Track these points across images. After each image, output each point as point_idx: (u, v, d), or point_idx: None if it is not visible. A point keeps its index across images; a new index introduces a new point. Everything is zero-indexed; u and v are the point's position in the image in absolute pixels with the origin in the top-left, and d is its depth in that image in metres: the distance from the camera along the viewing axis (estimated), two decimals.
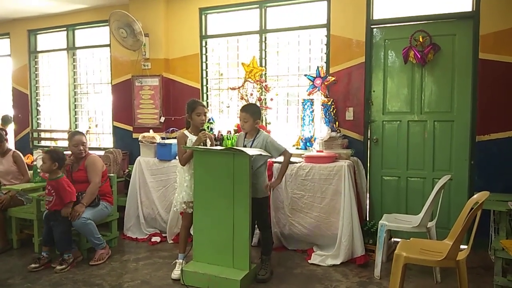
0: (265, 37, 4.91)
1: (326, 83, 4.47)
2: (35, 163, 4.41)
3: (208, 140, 3.58)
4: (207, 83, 5.33)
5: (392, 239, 4.08)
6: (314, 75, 4.51)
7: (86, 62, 6.16)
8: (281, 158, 3.60)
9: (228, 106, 5.03)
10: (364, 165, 4.39)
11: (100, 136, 6.12)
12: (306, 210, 3.99)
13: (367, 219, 4.35)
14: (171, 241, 4.43)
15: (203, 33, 5.25)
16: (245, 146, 3.53)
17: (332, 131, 4.34)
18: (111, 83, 5.79)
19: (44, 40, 6.49)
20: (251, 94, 4.74)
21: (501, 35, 3.88)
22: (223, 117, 5.22)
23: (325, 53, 4.58)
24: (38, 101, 6.55)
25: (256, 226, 3.66)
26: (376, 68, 4.42)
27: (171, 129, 5.20)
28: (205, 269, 3.31)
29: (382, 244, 3.47)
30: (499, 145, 3.94)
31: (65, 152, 4.03)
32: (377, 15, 4.38)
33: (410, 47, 4.13)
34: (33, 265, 3.64)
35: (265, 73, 4.89)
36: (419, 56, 4.08)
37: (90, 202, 3.88)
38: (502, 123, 3.93)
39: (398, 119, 4.37)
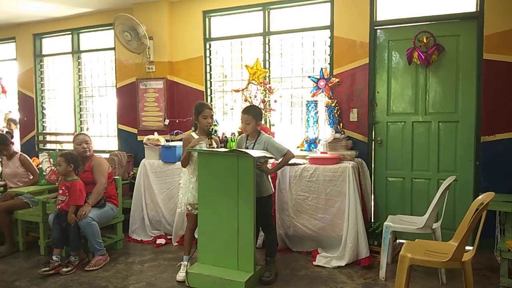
0: (269, 39, 4.92)
1: (330, 85, 4.47)
2: (40, 166, 4.44)
3: (214, 143, 3.60)
4: (211, 86, 5.34)
5: (397, 240, 4.07)
6: (318, 77, 4.52)
7: (91, 65, 6.20)
8: None
9: (232, 108, 5.05)
10: (369, 166, 4.38)
11: (104, 138, 6.14)
12: (311, 212, 3.99)
13: (372, 221, 4.34)
14: (176, 243, 4.44)
15: (207, 36, 5.27)
16: (246, 148, 3.53)
17: (336, 132, 4.34)
18: (115, 86, 5.82)
19: (49, 44, 6.54)
20: (255, 96, 4.75)
21: (505, 35, 3.86)
22: (227, 119, 5.23)
23: (329, 55, 4.58)
24: (43, 105, 6.59)
25: (260, 228, 3.66)
26: (380, 69, 4.41)
27: (176, 131, 5.22)
28: (209, 271, 3.32)
29: (387, 246, 3.47)
30: (504, 146, 3.92)
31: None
32: (380, 16, 4.38)
33: (414, 48, 4.13)
34: (43, 269, 3.62)
35: (269, 75, 4.90)
36: (423, 57, 4.08)
37: (96, 202, 3.90)
38: (507, 123, 3.91)
39: (402, 120, 4.36)
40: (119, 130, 5.82)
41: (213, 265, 3.38)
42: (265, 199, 3.50)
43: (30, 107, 6.59)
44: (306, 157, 4.16)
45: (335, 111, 4.40)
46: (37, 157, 5.06)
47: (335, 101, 4.43)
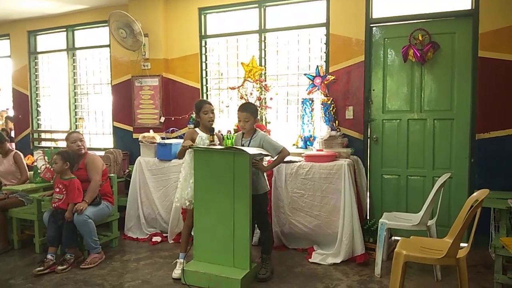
0: (265, 37, 4.91)
1: (325, 82, 4.48)
2: (35, 163, 4.42)
3: (216, 139, 3.61)
4: (207, 83, 5.33)
5: (393, 237, 4.09)
6: (314, 74, 4.51)
7: (86, 62, 6.17)
8: None
9: (228, 106, 5.04)
10: (364, 163, 4.39)
11: (99, 136, 6.12)
12: (307, 209, 3.99)
13: (367, 218, 4.36)
14: (172, 241, 4.44)
15: (203, 33, 5.25)
16: (242, 146, 3.53)
17: (332, 130, 4.34)
18: (111, 83, 5.80)
19: (44, 41, 6.50)
20: (251, 94, 4.75)
21: (500, 33, 3.88)
22: (223, 117, 5.22)
23: (325, 52, 4.58)
24: (38, 102, 6.56)
25: (256, 225, 3.66)
26: (375, 66, 4.42)
27: (171, 129, 5.21)
28: (205, 268, 3.32)
29: (382, 243, 3.48)
30: (499, 143, 3.94)
31: None
32: (376, 13, 4.38)
33: (410, 45, 4.14)
34: (38, 269, 3.60)
35: (265, 73, 4.89)
36: (418, 55, 4.09)
37: (92, 200, 3.89)
38: (502, 121, 3.93)
39: (398, 117, 4.37)
40: (115, 128, 5.80)
41: (209, 263, 3.38)
42: (261, 196, 3.50)
43: (24, 105, 6.55)
44: (302, 154, 4.16)
45: (330, 109, 4.41)
46: (32, 154, 5.04)
47: (331, 98, 4.44)
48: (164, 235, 4.55)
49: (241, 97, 4.75)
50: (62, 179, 3.84)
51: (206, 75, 5.32)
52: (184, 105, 5.26)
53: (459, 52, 4.09)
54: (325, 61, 4.58)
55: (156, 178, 4.62)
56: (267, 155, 3.51)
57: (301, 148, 4.52)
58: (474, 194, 2.81)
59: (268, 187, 3.66)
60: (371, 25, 4.38)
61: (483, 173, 4.00)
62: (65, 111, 6.29)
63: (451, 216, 4.07)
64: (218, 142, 3.69)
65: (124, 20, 4.96)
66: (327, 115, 4.41)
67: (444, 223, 4.00)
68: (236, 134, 3.79)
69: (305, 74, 4.60)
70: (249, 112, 3.49)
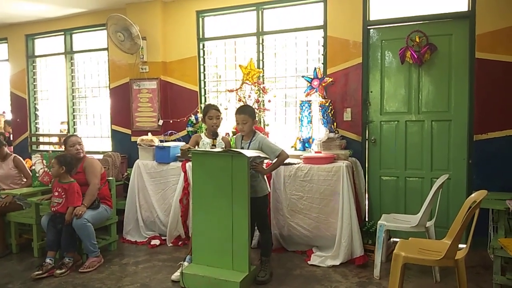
0: (262, 39, 4.92)
1: (323, 84, 4.48)
2: (33, 167, 4.41)
3: (222, 143, 3.70)
4: (205, 86, 5.33)
5: (391, 239, 4.08)
6: (312, 77, 4.53)
7: (84, 66, 6.16)
8: None
9: (226, 108, 5.04)
10: (363, 165, 4.39)
11: (97, 139, 6.11)
12: (305, 211, 3.99)
13: (366, 220, 4.36)
14: (171, 244, 4.43)
15: (200, 36, 5.26)
16: (242, 148, 3.53)
17: (330, 132, 4.35)
18: (109, 86, 5.79)
19: (41, 45, 6.49)
20: (249, 96, 4.75)
21: (497, 34, 3.89)
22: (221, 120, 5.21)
23: (322, 54, 4.59)
24: (36, 106, 6.55)
25: (256, 228, 3.66)
26: (373, 68, 4.43)
27: (170, 132, 5.21)
28: (204, 271, 3.31)
29: (381, 244, 3.48)
30: (496, 144, 3.95)
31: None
32: (373, 16, 4.40)
33: (407, 47, 4.15)
34: (36, 273, 3.59)
35: (263, 75, 4.90)
36: (415, 56, 4.10)
37: (90, 204, 3.88)
38: (499, 122, 3.94)
39: (395, 119, 4.38)
40: (113, 131, 5.79)
41: (208, 266, 3.37)
42: (260, 199, 3.50)
43: (22, 108, 6.54)
44: (301, 156, 4.16)
45: (329, 111, 4.41)
46: (30, 158, 5.03)
47: (329, 100, 4.44)
48: (163, 238, 4.54)
49: (239, 100, 4.75)
50: (61, 182, 3.84)
51: (204, 78, 5.33)
52: (182, 108, 5.27)
53: (456, 54, 4.10)
54: (323, 63, 4.59)
55: (155, 181, 4.62)
56: (266, 158, 3.52)
57: (299, 150, 4.52)
58: (472, 195, 2.82)
59: (269, 189, 3.66)
60: (369, 27, 4.39)
61: (481, 174, 4.01)
62: (63, 114, 6.28)
63: (450, 217, 4.08)
64: (223, 146, 3.70)
65: (122, 23, 4.97)
66: (325, 117, 4.41)
67: (442, 224, 4.00)
68: (235, 136, 3.80)
69: (303, 76, 4.61)
70: (247, 114, 3.49)
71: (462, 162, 4.14)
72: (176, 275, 3.48)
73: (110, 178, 4.41)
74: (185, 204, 4.31)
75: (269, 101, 4.78)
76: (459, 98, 4.12)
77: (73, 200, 3.77)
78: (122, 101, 5.59)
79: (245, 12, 5.02)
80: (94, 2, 5.36)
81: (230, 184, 3.28)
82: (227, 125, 5.00)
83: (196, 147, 3.69)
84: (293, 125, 4.83)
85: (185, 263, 3.56)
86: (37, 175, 4.37)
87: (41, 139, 6.56)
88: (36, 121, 6.58)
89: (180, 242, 4.44)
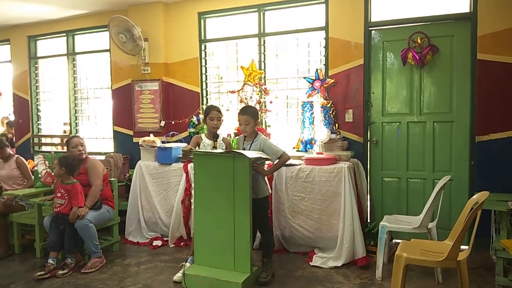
0: (264, 41, 4.93)
1: (325, 86, 4.49)
2: (36, 168, 4.43)
3: (223, 145, 3.70)
4: (206, 87, 5.34)
5: (393, 240, 4.08)
6: (313, 78, 4.53)
7: (86, 67, 6.18)
8: None
9: (228, 110, 5.04)
10: (364, 166, 4.39)
11: (99, 140, 6.12)
12: (307, 212, 4.00)
13: (368, 221, 4.36)
14: (173, 245, 4.43)
15: (202, 37, 5.27)
16: (244, 149, 3.54)
17: (332, 133, 4.35)
18: (111, 88, 5.80)
19: (44, 46, 6.51)
20: (251, 97, 4.75)
21: (499, 36, 3.89)
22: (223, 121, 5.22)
23: (324, 56, 4.60)
24: (38, 107, 6.56)
25: (257, 229, 3.66)
26: (375, 70, 4.43)
27: (171, 133, 5.22)
28: (206, 272, 3.31)
29: (383, 246, 3.47)
30: (498, 145, 3.94)
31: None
32: (375, 17, 4.40)
33: (409, 48, 4.15)
34: (38, 273, 3.59)
35: (264, 76, 4.90)
36: (417, 58, 4.10)
37: (93, 205, 3.90)
38: (501, 123, 3.94)
39: (397, 120, 4.38)
40: (115, 132, 5.80)
41: (210, 266, 3.38)
42: (261, 200, 3.50)
43: (25, 109, 6.56)
44: (302, 157, 4.17)
45: (330, 112, 4.41)
46: (33, 159, 5.04)
47: (331, 101, 4.45)
48: (165, 239, 4.55)
49: (241, 101, 4.76)
50: (64, 183, 3.84)
51: (206, 79, 5.33)
52: (184, 109, 5.28)
53: (458, 55, 4.10)
54: (324, 65, 4.60)
55: (157, 182, 4.63)
56: (267, 159, 3.52)
57: (301, 151, 4.52)
58: (474, 196, 2.82)
59: (270, 191, 3.66)
60: (370, 29, 4.40)
61: (483, 175, 4.01)
62: (66, 115, 6.29)
63: (452, 218, 4.07)
64: (224, 147, 3.71)
65: (124, 25, 4.98)
66: (327, 118, 4.41)
67: (444, 225, 4.00)
68: (238, 137, 3.81)
69: (304, 78, 4.61)
70: (250, 115, 3.50)
71: (464, 163, 4.13)
72: (178, 276, 3.48)
73: (112, 179, 4.42)
74: (187, 205, 4.31)
75: (271, 102, 4.78)
76: (461, 99, 4.12)
77: (76, 200, 3.78)
78: (124, 102, 5.60)
79: (247, 14, 5.03)
80: (96, 4, 5.38)
81: (232, 185, 3.29)
82: (229, 126, 5.01)
83: (197, 148, 3.69)
84: (294, 126, 4.83)
85: (187, 264, 3.56)
86: (39, 176, 4.39)
87: (43, 140, 6.57)
88: (38, 122, 6.59)
89: (182, 243, 4.45)
